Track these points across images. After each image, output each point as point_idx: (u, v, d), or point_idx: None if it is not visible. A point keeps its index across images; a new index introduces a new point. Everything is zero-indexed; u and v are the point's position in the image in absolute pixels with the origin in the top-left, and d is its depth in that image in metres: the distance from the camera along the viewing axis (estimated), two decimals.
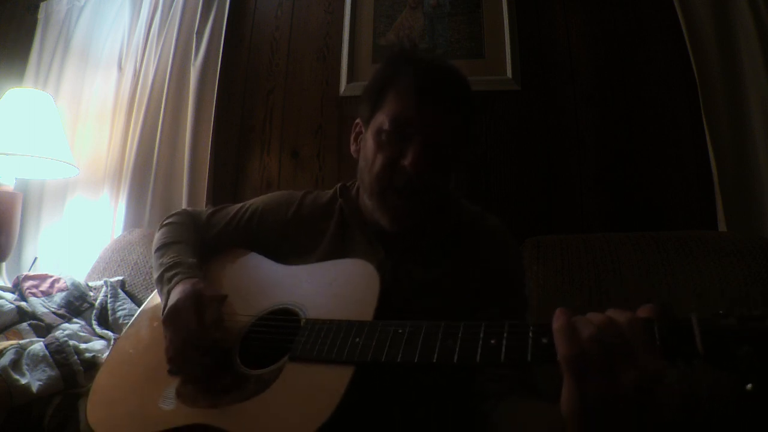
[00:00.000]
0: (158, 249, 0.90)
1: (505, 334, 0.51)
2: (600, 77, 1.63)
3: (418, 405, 0.70)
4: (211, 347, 0.73)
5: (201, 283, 0.79)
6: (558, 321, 0.48)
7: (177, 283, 0.79)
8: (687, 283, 1.12)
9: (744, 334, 0.41)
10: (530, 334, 0.50)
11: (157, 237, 0.94)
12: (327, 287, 0.74)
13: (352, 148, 0.88)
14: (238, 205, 0.97)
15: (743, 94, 1.49)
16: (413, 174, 0.73)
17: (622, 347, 0.44)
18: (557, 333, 0.47)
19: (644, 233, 1.26)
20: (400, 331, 0.58)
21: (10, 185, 1.64)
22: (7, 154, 1.53)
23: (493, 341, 0.51)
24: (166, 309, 0.77)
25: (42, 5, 2.09)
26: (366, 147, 0.81)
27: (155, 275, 0.87)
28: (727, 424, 0.95)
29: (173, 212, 1.00)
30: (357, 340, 0.60)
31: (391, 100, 0.77)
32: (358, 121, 0.87)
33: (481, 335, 0.52)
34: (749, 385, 0.40)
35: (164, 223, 0.97)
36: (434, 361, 0.53)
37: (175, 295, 0.77)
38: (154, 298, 0.93)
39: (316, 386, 0.60)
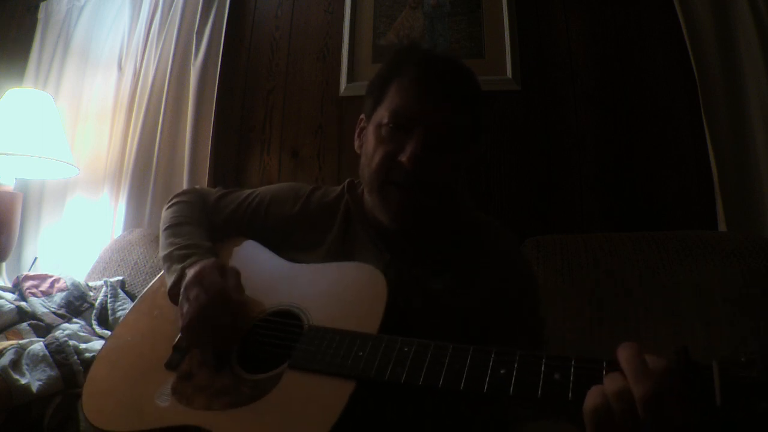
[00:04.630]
0: (169, 227, 0.88)
1: (515, 365, 0.48)
2: (600, 77, 1.63)
3: (418, 425, 0.68)
4: (235, 311, 0.72)
5: (220, 262, 0.79)
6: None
7: (194, 262, 0.78)
8: (687, 283, 1.12)
9: (765, 389, 0.39)
10: (542, 368, 0.47)
11: (167, 215, 0.92)
12: (333, 291, 0.73)
13: (356, 144, 0.87)
14: (247, 192, 0.96)
15: (743, 94, 1.48)
16: (410, 170, 0.72)
17: (655, 401, 0.41)
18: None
19: (644, 233, 1.26)
20: (406, 349, 0.56)
21: (10, 185, 1.63)
22: (7, 154, 1.53)
23: (503, 371, 0.48)
24: (188, 277, 0.75)
25: (42, 5, 2.09)
26: (367, 142, 0.80)
27: (163, 253, 0.84)
28: None
29: (183, 190, 0.98)
30: (360, 353, 0.58)
31: (392, 94, 0.76)
32: (362, 116, 0.86)
33: (491, 363, 0.50)
34: None
35: (174, 201, 0.95)
36: (440, 385, 0.51)
37: (195, 269, 0.76)
38: (153, 287, 0.91)
39: (314, 400, 0.58)
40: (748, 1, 1.51)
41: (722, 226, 1.41)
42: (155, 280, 0.92)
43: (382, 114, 0.76)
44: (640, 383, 0.42)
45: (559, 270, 1.22)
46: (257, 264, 0.86)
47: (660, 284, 1.14)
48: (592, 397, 0.44)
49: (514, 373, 0.48)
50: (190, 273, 0.76)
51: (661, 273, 1.15)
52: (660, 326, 1.08)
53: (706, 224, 1.46)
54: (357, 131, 0.87)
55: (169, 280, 0.79)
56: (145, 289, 0.93)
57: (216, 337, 0.72)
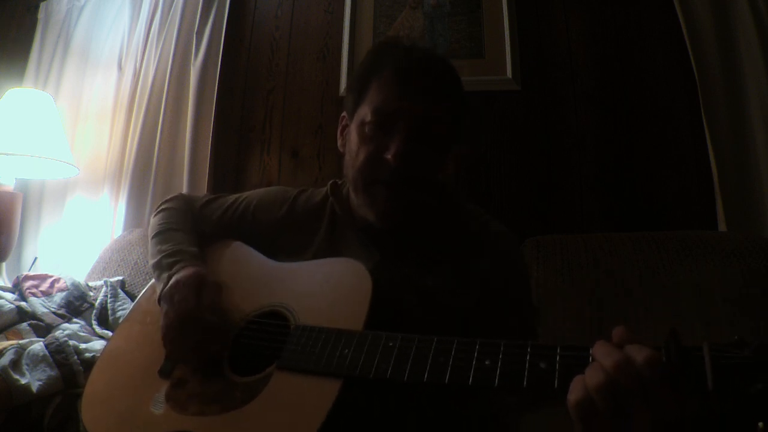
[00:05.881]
0: (156, 234, 0.89)
1: (500, 355, 0.48)
2: (600, 77, 1.63)
3: (408, 420, 0.67)
4: (207, 329, 0.72)
5: (204, 270, 0.80)
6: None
7: (180, 269, 0.79)
8: (687, 283, 1.12)
9: (758, 370, 0.37)
10: (527, 357, 0.47)
11: (155, 222, 0.92)
12: (318, 289, 0.72)
13: (339, 142, 0.87)
14: (233, 197, 0.96)
15: (743, 94, 1.49)
16: (395, 167, 0.71)
17: (638, 392, 0.41)
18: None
19: (644, 233, 1.26)
20: (391, 344, 0.55)
21: (10, 185, 1.63)
22: (7, 154, 1.53)
23: (487, 362, 0.48)
24: (166, 288, 0.76)
25: (42, 5, 2.09)
26: (350, 141, 0.79)
27: (152, 261, 0.85)
28: None
29: (169, 197, 0.99)
30: (346, 351, 0.58)
31: (373, 91, 0.76)
32: (344, 114, 0.86)
33: (475, 354, 0.49)
34: (761, 423, 0.36)
35: (161, 208, 0.96)
36: (425, 379, 0.51)
37: (176, 278, 0.77)
38: (146, 294, 0.91)
39: (301, 400, 0.58)
40: (748, 1, 1.51)
41: (722, 226, 1.41)
42: (147, 287, 0.93)
43: (365, 112, 0.76)
44: (621, 376, 0.41)
45: (559, 270, 1.22)
46: (245, 265, 0.86)
47: (660, 284, 1.14)
48: (574, 391, 0.43)
49: (499, 364, 0.48)
50: (169, 285, 0.77)
51: (661, 273, 1.15)
52: (660, 326, 1.08)
53: (706, 224, 1.46)
54: (339, 129, 0.87)
55: (159, 288, 0.80)
56: (138, 296, 0.94)
57: (195, 348, 0.73)
